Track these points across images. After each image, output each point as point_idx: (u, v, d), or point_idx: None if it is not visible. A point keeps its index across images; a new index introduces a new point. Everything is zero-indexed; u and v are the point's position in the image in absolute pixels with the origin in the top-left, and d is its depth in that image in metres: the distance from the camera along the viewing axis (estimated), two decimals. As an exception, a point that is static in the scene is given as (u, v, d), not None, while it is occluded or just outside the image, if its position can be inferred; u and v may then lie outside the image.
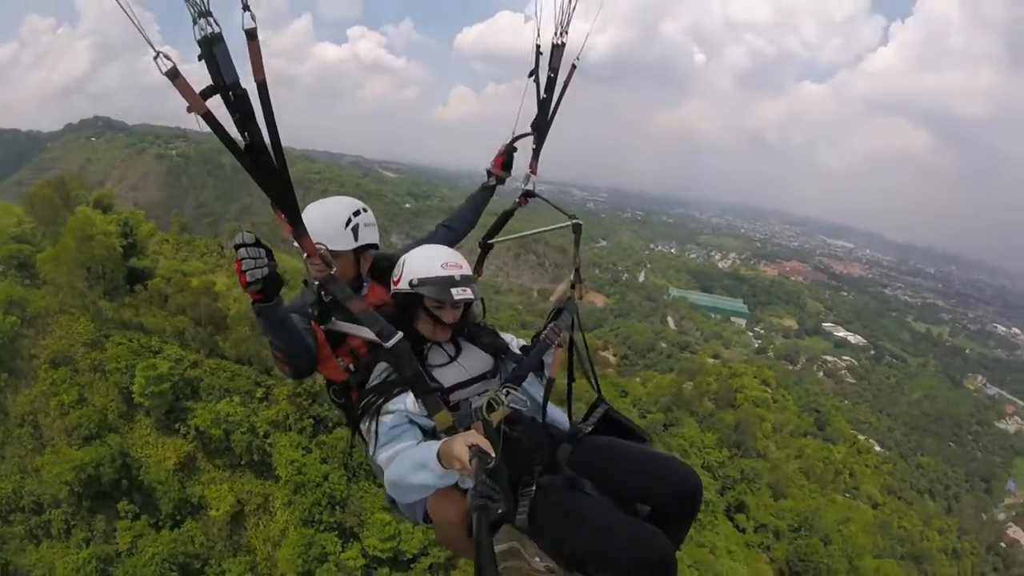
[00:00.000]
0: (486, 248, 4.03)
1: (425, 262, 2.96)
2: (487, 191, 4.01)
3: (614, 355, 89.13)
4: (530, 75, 3.67)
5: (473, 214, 3.96)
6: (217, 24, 1.94)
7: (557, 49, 3.64)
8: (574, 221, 3.62)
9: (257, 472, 35.66)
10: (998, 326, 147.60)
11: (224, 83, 1.98)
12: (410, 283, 2.92)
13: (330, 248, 2.95)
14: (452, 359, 2.98)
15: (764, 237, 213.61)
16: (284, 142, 2.15)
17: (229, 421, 35.00)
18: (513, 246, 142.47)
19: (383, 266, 3.31)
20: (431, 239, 3.69)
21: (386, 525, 32.87)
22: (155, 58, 1.87)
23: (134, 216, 47.84)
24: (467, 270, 3.00)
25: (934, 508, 76.24)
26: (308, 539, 33.12)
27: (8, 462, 33.08)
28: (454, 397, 2.82)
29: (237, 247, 2.46)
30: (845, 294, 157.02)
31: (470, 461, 2.26)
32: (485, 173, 3.95)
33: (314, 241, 2.55)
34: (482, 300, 3.15)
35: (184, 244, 53.01)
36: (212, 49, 1.95)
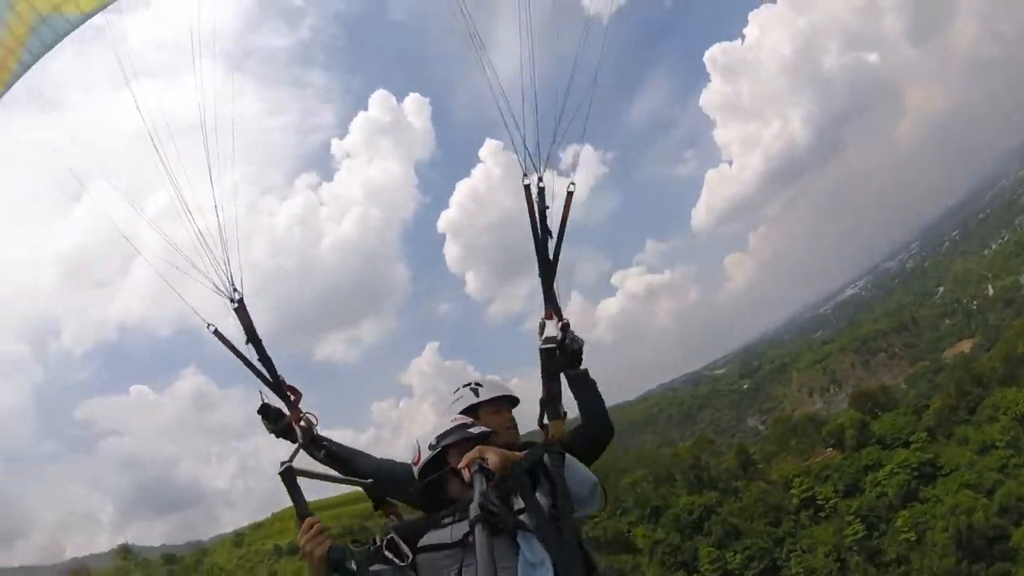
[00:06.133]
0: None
1: (435, 429, 3.09)
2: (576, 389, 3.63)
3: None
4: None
5: (584, 414, 3.61)
6: (241, 296, 3.86)
7: (541, 192, 3.64)
8: (546, 345, 3.40)
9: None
10: None
11: (249, 328, 3.86)
12: (430, 446, 2.98)
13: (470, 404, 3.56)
14: (453, 520, 2.68)
15: None
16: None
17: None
18: (843, 358, 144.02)
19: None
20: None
21: None
22: (208, 326, 3.83)
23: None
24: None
25: None
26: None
27: None
28: (421, 559, 2.61)
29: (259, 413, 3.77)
30: None
31: (472, 474, 2.29)
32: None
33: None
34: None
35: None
36: (238, 310, 3.87)
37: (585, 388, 3.62)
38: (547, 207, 3.65)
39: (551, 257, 3.65)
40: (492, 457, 2.38)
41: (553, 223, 3.67)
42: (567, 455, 2.69)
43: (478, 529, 2.01)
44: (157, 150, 4.04)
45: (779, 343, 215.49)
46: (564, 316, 3.57)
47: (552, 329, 3.50)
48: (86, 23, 4.46)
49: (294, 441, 3.68)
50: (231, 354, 3.87)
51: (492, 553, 1.94)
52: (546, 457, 2.55)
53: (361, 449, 3.91)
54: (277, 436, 3.78)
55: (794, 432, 74.75)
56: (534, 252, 3.64)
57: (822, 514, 58.91)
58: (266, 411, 3.77)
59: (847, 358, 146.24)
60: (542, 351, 3.21)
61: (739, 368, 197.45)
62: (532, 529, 2.41)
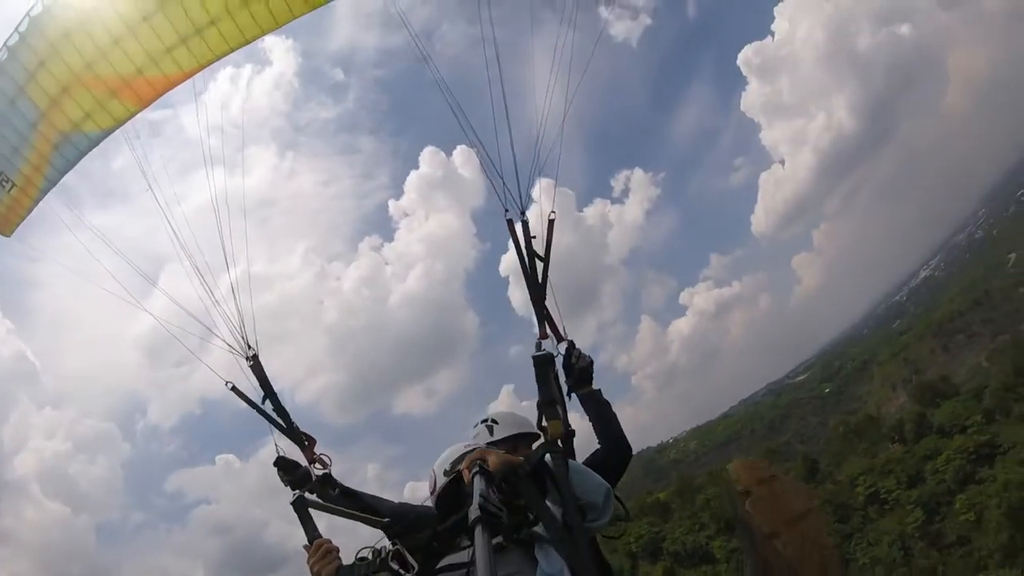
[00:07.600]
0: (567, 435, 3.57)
1: (447, 454, 3.09)
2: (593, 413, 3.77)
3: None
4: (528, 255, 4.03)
5: (598, 436, 3.69)
6: (255, 353, 4.28)
7: (525, 225, 4.08)
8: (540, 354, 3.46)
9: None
10: None
11: (264, 382, 4.33)
12: (444, 472, 2.94)
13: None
14: (473, 544, 2.46)
15: None
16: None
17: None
18: (922, 346, 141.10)
19: None
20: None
21: None
22: (226, 384, 4.22)
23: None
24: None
25: None
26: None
27: None
28: None
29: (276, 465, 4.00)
30: None
31: (472, 476, 2.23)
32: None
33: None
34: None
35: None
36: (254, 364, 4.34)
37: (597, 408, 3.66)
38: (533, 236, 4.04)
39: (539, 280, 3.93)
40: (492, 459, 2.31)
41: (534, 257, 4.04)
42: (572, 461, 2.54)
43: (478, 531, 1.88)
44: (175, 233, 4.69)
45: (859, 340, 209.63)
46: (565, 335, 3.82)
47: (551, 349, 3.63)
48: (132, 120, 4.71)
49: (310, 491, 4.00)
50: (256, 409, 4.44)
51: (491, 553, 1.80)
52: (548, 457, 2.40)
53: (380, 495, 4.09)
54: (293, 488, 3.87)
55: (856, 433, 77.67)
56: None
57: (886, 507, 62.00)
58: (281, 463, 4.06)
59: (926, 345, 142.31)
60: (535, 359, 3.02)
61: (820, 372, 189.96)
62: (547, 538, 2.32)
